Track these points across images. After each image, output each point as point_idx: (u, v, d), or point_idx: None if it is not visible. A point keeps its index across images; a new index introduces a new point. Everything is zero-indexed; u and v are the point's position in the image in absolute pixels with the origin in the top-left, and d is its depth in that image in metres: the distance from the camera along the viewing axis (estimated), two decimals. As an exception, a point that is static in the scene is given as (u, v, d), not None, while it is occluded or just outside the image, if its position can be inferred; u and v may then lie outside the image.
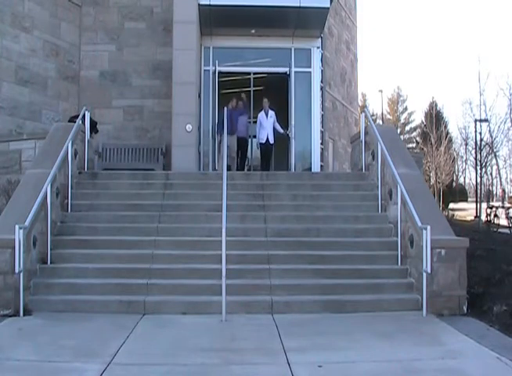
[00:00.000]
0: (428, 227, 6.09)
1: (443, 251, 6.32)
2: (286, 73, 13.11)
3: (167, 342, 5.08)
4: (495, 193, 42.67)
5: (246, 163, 13.43)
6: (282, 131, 12.30)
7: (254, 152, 13.91)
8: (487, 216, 14.78)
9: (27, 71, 11.48)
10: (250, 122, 12.90)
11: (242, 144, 12.34)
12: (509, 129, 27.29)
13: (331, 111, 15.88)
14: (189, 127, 11.20)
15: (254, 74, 13.36)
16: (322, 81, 13.68)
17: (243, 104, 12.45)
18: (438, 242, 6.26)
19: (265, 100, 12.17)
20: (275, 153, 12.73)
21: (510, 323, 5.62)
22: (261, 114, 12.28)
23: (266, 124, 12.09)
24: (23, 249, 6.02)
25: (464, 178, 48.14)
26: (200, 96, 12.29)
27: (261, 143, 12.25)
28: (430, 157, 31.67)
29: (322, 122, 13.70)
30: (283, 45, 12.76)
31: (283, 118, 12.65)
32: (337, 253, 7.23)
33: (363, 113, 10.05)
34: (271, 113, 12.15)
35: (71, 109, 12.24)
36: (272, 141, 12.17)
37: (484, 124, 25.00)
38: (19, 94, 11.30)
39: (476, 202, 24.05)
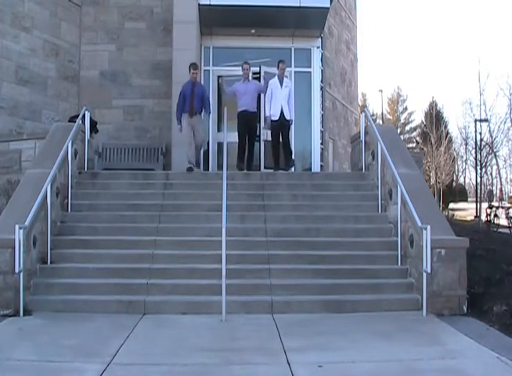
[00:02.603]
0: (428, 227, 6.10)
1: (443, 251, 6.32)
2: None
3: (167, 342, 5.08)
4: (495, 193, 42.63)
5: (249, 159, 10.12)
6: (292, 113, 9.65)
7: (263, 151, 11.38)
8: (487, 216, 14.78)
9: (26, 71, 11.47)
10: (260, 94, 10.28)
11: (250, 122, 9.80)
12: (509, 129, 27.31)
13: (331, 111, 15.87)
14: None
15: (254, 73, 13.33)
16: (322, 81, 13.67)
17: (248, 68, 10.07)
18: (438, 242, 6.27)
19: (282, 65, 9.71)
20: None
21: (510, 323, 5.63)
22: (274, 81, 9.62)
23: (280, 95, 9.46)
24: (23, 249, 6.02)
25: (464, 178, 48.16)
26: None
27: (272, 121, 9.43)
28: (430, 157, 31.68)
29: (322, 122, 13.68)
30: (283, 45, 12.75)
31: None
32: (337, 253, 7.23)
33: (363, 113, 10.04)
34: (287, 82, 9.69)
35: (71, 109, 12.22)
36: (288, 116, 9.39)
37: (484, 124, 25.02)
38: (19, 94, 11.29)
39: (476, 202, 24.05)
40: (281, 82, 9.57)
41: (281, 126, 9.47)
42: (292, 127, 12.37)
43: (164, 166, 12.03)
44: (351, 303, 6.34)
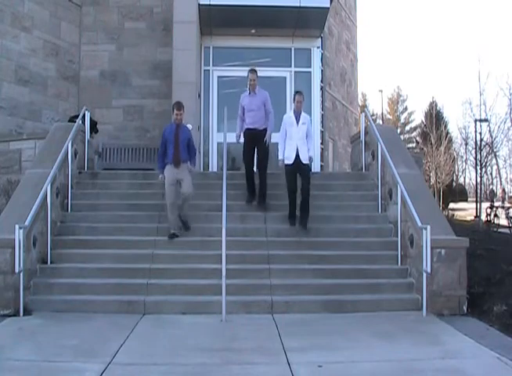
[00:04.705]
0: (428, 227, 6.10)
1: (443, 251, 6.32)
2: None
3: (167, 342, 5.08)
4: (495, 192, 42.60)
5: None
6: (312, 154, 7.99)
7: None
8: (487, 216, 14.75)
9: (27, 71, 11.47)
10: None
11: (259, 142, 8.27)
12: (509, 129, 27.22)
13: (331, 111, 15.87)
14: (189, 127, 11.18)
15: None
16: (322, 81, 13.67)
17: (255, 79, 8.32)
18: (438, 242, 6.27)
19: (299, 97, 7.93)
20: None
21: (510, 323, 5.63)
22: (288, 118, 7.99)
23: (295, 135, 7.77)
24: (23, 249, 6.02)
25: (464, 178, 48.15)
26: (199, 96, 12.28)
27: (286, 165, 7.78)
28: (430, 157, 31.62)
29: (322, 122, 13.69)
30: (283, 45, 12.75)
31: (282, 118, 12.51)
32: (337, 253, 7.23)
33: (363, 113, 10.06)
34: (304, 117, 7.97)
35: (71, 109, 12.22)
36: (305, 160, 7.74)
37: (484, 124, 24.99)
38: (19, 94, 11.29)
39: (476, 202, 24.04)
40: (297, 118, 7.86)
41: (297, 171, 7.74)
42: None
43: (164, 166, 12.01)
44: (351, 303, 6.35)
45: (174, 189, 7.56)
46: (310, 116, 12.50)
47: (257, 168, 8.38)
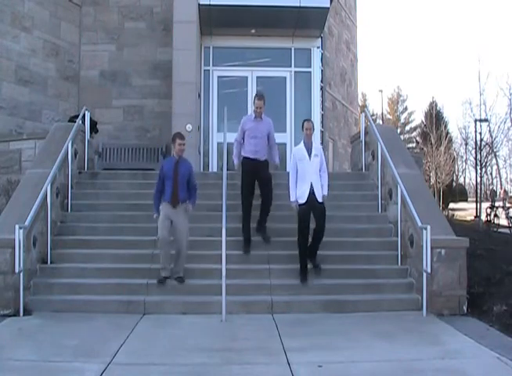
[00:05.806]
0: (428, 227, 6.10)
1: (443, 251, 6.32)
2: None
3: (167, 342, 5.09)
4: (496, 192, 42.58)
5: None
6: (326, 191, 6.91)
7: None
8: (487, 216, 14.76)
9: (27, 71, 11.47)
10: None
11: (262, 173, 7.55)
12: (509, 129, 27.18)
13: (331, 111, 15.88)
14: (189, 127, 11.18)
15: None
16: (322, 81, 13.67)
17: (262, 106, 7.51)
18: (438, 242, 6.27)
19: (308, 124, 6.98)
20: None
21: (510, 323, 5.64)
22: (299, 150, 7.01)
23: (309, 169, 6.80)
24: (23, 249, 6.03)
25: (464, 178, 48.17)
26: (199, 96, 12.28)
27: (300, 204, 6.79)
28: (430, 157, 31.59)
29: (322, 122, 13.69)
30: (283, 45, 12.75)
31: (282, 118, 12.54)
32: (337, 253, 7.24)
33: (363, 113, 10.06)
34: (317, 148, 7.02)
35: (71, 109, 12.22)
36: (320, 198, 6.76)
37: (484, 124, 24.93)
38: (19, 94, 11.29)
39: (476, 202, 24.03)
40: (309, 150, 6.87)
41: (311, 211, 6.76)
42: (292, 129, 12.47)
43: (164, 166, 11.99)
44: (351, 303, 6.35)
45: (168, 224, 6.64)
46: (310, 116, 12.58)
47: (262, 202, 7.57)
